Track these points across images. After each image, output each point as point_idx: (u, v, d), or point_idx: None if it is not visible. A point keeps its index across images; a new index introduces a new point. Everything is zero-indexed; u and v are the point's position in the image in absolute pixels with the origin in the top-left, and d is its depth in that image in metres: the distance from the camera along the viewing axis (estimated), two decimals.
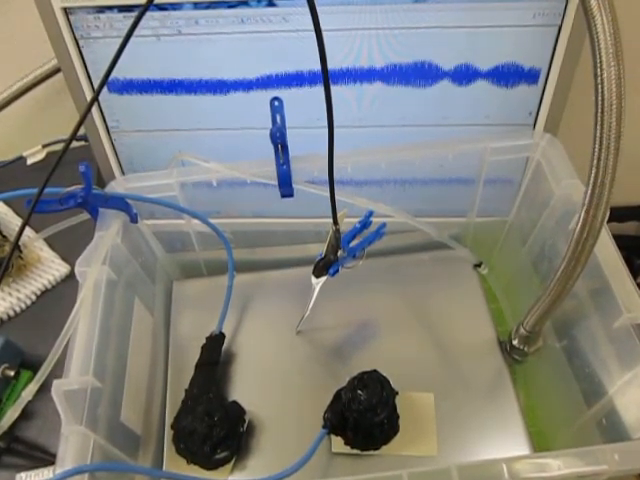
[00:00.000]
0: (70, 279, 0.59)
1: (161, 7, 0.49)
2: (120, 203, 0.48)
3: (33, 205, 0.40)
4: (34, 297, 0.57)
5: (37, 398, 0.40)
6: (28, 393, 0.40)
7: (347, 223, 0.47)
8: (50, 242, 0.61)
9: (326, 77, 0.31)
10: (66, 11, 0.49)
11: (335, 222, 0.41)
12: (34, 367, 0.52)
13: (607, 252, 0.42)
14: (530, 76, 0.52)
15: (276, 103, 0.48)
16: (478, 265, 0.57)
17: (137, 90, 0.55)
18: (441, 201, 0.58)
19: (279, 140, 0.44)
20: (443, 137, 0.55)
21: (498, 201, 0.57)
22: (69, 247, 0.60)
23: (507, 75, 0.52)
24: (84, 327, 0.41)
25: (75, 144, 0.66)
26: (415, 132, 0.56)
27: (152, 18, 0.50)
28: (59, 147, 0.65)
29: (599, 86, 0.33)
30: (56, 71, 0.65)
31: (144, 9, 0.32)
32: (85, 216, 0.48)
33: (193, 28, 0.50)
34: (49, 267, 0.59)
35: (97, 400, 0.39)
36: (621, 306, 0.40)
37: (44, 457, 0.47)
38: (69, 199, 0.45)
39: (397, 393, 0.46)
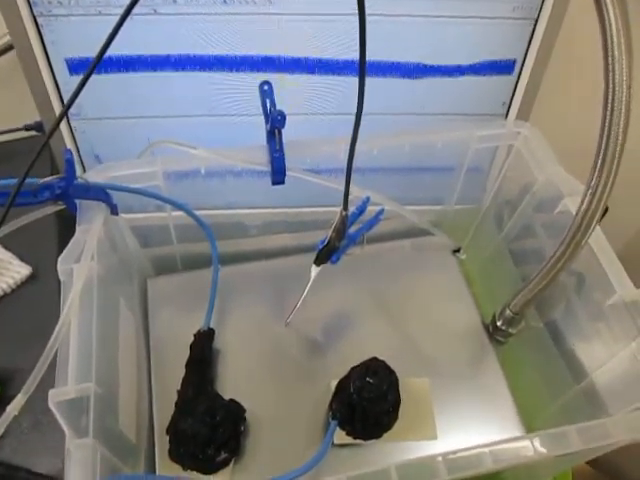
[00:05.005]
0: (32, 280, 0.54)
1: None
2: (100, 194, 0.44)
3: (12, 198, 0.36)
4: None
5: None
6: (14, 407, 0.35)
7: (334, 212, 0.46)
8: (3, 242, 0.55)
9: (363, 61, 0.30)
10: None
11: (345, 207, 0.40)
12: (1, 380, 0.46)
13: (595, 235, 0.44)
14: (506, 68, 0.54)
15: (265, 87, 0.46)
16: (457, 250, 0.58)
17: (103, 71, 0.51)
18: (420, 189, 0.59)
19: (279, 124, 0.42)
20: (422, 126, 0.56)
21: (474, 188, 0.58)
22: (26, 247, 0.54)
23: (484, 66, 0.53)
24: (77, 329, 0.37)
25: (24, 134, 0.60)
26: (392, 121, 0.56)
27: None
28: (5, 138, 0.59)
29: (610, 74, 0.34)
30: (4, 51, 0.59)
31: None
32: (39, 213, 0.44)
33: (170, 7, 0.47)
34: (6, 269, 0.53)
35: (99, 408, 0.36)
36: (614, 285, 0.42)
37: (28, 478, 0.42)
38: (44, 191, 0.41)
39: (397, 378, 0.46)
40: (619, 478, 0.68)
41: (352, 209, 0.47)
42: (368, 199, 0.46)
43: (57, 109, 0.52)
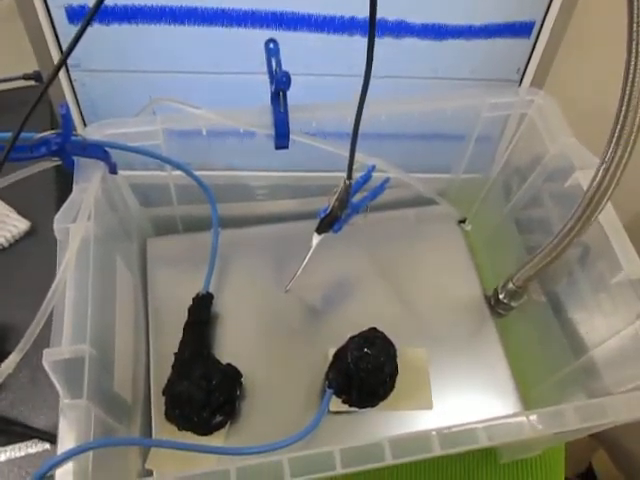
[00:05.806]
0: (30, 235, 0.53)
1: None
2: (99, 152, 0.43)
3: (7, 153, 0.35)
4: None
5: None
6: (9, 364, 0.36)
7: (339, 177, 0.45)
8: (1, 196, 0.54)
9: (373, 21, 0.28)
10: None
11: (349, 177, 0.39)
12: None
13: (605, 209, 0.43)
14: (523, 31, 0.51)
15: (271, 45, 0.45)
16: (462, 221, 0.57)
17: (104, 20, 0.49)
18: (427, 157, 0.57)
19: (283, 86, 0.41)
20: (432, 90, 0.54)
21: (483, 157, 0.57)
22: (25, 201, 0.53)
23: (501, 30, 0.51)
24: (73, 290, 0.36)
25: (22, 84, 0.58)
26: (402, 84, 0.54)
27: None
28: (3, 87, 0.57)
29: (633, 42, 0.33)
30: None
31: None
32: (36, 167, 0.43)
33: None
34: (4, 223, 0.52)
35: (93, 369, 0.36)
36: (621, 262, 0.41)
37: (24, 432, 0.42)
38: (41, 146, 0.40)
39: (396, 349, 0.46)
40: (614, 447, 0.69)
41: (357, 176, 0.46)
42: (373, 167, 0.45)
43: (55, 58, 0.50)
